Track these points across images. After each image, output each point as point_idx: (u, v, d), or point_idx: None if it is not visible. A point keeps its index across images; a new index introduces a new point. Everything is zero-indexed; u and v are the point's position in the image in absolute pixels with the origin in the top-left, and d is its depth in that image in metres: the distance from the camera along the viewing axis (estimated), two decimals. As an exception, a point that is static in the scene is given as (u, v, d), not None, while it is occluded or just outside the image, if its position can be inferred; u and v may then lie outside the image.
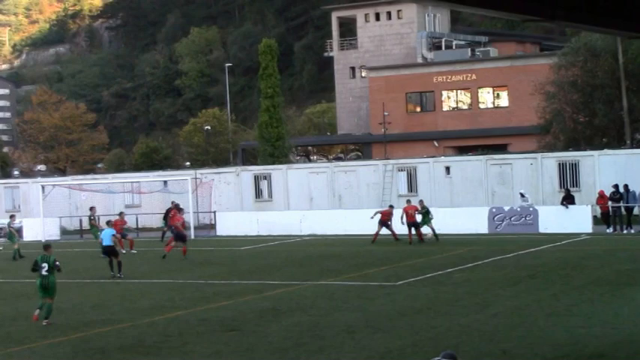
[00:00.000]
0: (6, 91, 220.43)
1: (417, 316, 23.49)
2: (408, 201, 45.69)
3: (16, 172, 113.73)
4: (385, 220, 44.15)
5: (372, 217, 44.44)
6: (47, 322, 24.59)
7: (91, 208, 48.00)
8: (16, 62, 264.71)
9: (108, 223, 37.87)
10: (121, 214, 46.62)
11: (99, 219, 50.24)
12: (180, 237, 41.99)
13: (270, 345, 20.68)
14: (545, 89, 66.92)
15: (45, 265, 25.00)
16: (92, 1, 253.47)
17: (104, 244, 35.54)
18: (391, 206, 46.11)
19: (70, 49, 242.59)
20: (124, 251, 42.42)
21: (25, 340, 22.64)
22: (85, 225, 59.76)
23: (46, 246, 26.13)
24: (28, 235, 55.68)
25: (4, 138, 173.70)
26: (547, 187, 52.30)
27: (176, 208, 47.44)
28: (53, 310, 24.96)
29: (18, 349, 21.51)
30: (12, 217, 50.51)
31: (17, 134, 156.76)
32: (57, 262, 25.08)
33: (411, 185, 55.88)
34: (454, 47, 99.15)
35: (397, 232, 43.85)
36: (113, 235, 36.09)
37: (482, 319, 22.65)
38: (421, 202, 45.04)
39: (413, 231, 43.35)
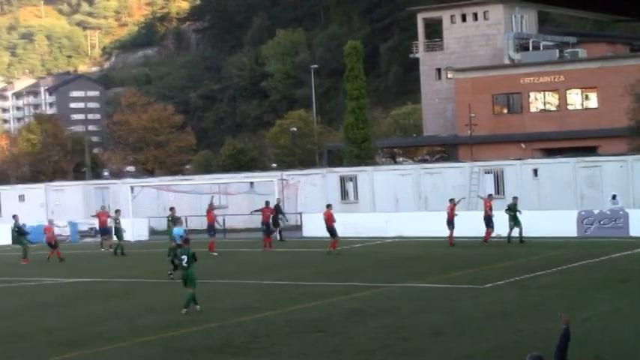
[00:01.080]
0: (96, 93, 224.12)
1: (503, 319, 23.35)
2: (451, 200, 45.64)
3: (105, 173, 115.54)
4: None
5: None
6: (187, 310, 25.92)
7: (171, 209, 48.37)
8: (106, 65, 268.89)
9: (176, 221, 38.00)
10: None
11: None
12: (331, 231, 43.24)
13: (356, 346, 20.73)
14: (635, 90, 65.85)
15: (184, 257, 26.30)
16: (180, 3, 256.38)
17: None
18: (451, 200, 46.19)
19: (158, 51, 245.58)
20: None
21: (116, 339, 23.04)
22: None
23: (185, 240, 27.43)
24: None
25: (94, 139, 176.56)
26: (637, 190, 51.38)
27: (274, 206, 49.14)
28: (191, 301, 26.15)
29: (109, 348, 21.88)
30: (117, 211, 51.33)
31: (107, 136, 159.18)
32: (195, 255, 26.52)
33: (498, 187, 55.43)
34: (542, 48, 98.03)
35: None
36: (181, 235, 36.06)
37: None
38: (515, 198, 44.93)
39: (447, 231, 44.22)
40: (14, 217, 49.86)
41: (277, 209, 52.21)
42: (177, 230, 36.20)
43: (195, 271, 26.51)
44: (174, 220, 44.39)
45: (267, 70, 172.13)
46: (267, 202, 50.04)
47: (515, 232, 43.75)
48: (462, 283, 30.55)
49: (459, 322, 23.13)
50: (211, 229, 46.50)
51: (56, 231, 61.47)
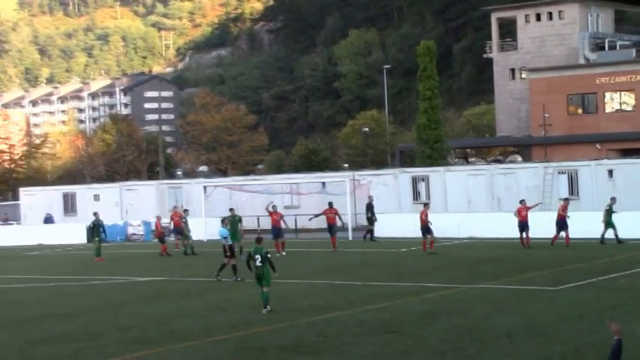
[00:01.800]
0: (170, 94, 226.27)
1: (578, 322, 23.01)
2: (522, 201, 44.79)
3: (179, 173, 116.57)
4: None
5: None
6: (266, 310, 26.08)
7: (231, 210, 48.02)
8: (180, 65, 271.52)
9: (223, 221, 37.55)
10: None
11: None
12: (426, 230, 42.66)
13: (428, 348, 20.58)
14: None
15: (258, 256, 26.42)
16: (253, 4, 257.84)
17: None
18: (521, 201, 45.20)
19: (232, 51, 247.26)
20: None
21: (187, 337, 23.16)
22: (246, 225, 60.70)
23: (258, 239, 27.40)
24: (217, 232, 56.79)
25: (168, 139, 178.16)
26: None
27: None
28: (267, 299, 26.28)
29: (181, 346, 22.00)
30: (185, 211, 51.75)
31: (180, 136, 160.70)
32: (268, 254, 26.59)
33: (572, 188, 54.79)
34: (618, 48, 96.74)
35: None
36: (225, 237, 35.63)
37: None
38: (613, 199, 44.15)
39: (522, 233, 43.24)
40: (95, 214, 50.15)
41: (369, 208, 52.03)
42: (223, 231, 35.90)
43: (269, 270, 26.53)
44: (232, 221, 44.35)
45: (340, 71, 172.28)
46: (330, 203, 49.47)
47: (610, 234, 43.01)
48: (535, 284, 30.20)
49: (532, 324, 22.84)
50: (276, 231, 45.85)
51: (130, 230, 62.45)
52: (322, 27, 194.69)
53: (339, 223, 48.86)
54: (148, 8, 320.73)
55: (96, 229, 48.32)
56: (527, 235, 43.22)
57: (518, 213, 43.36)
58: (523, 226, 43.14)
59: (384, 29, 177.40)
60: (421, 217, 42.96)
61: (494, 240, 48.16)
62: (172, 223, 52.39)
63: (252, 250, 26.75)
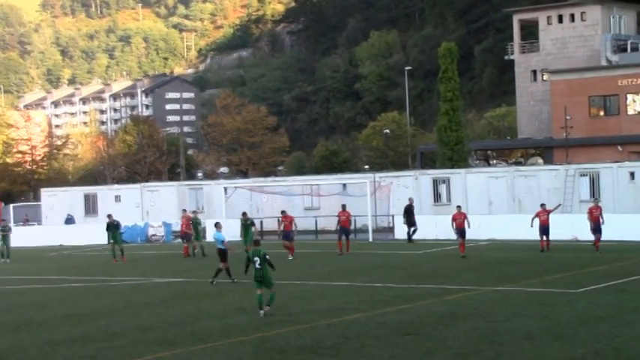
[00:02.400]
0: (191, 95, 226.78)
1: (599, 324, 22.90)
2: (542, 205, 43.89)
3: (199, 174, 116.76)
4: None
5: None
6: (264, 311, 26.04)
7: (243, 214, 47.46)
8: (201, 66, 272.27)
9: (217, 225, 36.85)
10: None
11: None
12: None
13: (448, 350, 20.54)
14: None
15: (257, 258, 26.37)
16: (275, 6, 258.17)
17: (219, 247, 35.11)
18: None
19: (253, 53, 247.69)
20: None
21: (208, 338, 23.18)
22: (267, 226, 60.85)
23: (256, 241, 27.64)
24: (211, 235, 56.90)
25: (189, 141, 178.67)
26: None
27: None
28: (274, 299, 26.39)
29: (201, 347, 22.02)
30: (194, 212, 51.80)
31: (201, 137, 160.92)
32: (267, 255, 26.44)
33: (594, 191, 54.58)
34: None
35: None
36: (222, 241, 35.17)
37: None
38: None
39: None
40: (109, 216, 50.28)
41: (409, 210, 51.66)
42: (219, 235, 35.40)
43: (269, 271, 26.45)
44: (244, 225, 44.24)
45: (361, 72, 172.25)
46: (343, 206, 47.78)
47: None
48: (556, 287, 30.09)
49: (553, 326, 22.76)
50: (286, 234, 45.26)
51: (150, 231, 62.60)
52: (343, 28, 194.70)
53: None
54: (169, 9, 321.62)
55: (111, 231, 48.29)
56: (547, 239, 42.70)
57: (538, 216, 42.52)
58: (545, 229, 42.47)
59: (406, 31, 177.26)
60: (458, 220, 42.29)
61: (514, 242, 48.04)
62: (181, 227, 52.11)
63: (251, 252, 26.73)
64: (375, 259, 42.90)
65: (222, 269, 34.60)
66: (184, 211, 53.81)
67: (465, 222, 42.24)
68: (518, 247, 45.83)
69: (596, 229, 41.38)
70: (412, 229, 51.77)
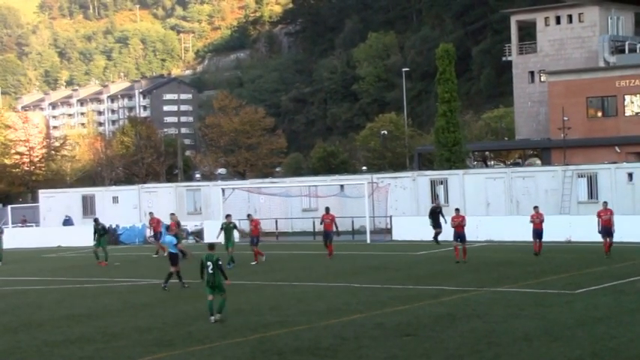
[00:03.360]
0: (189, 96, 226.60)
1: (596, 325, 22.92)
2: (536, 207, 42.36)
3: (197, 175, 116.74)
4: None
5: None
6: (215, 318, 25.55)
7: (227, 216, 44.60)
8: (199, 68, 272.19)
9: (168, 228, 36.00)
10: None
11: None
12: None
13: (445, 351, 20.55)
14: None
15: (210, 263, 25.97)
16: (272, 7, 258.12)
17: (170, 251, 34.52)
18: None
19: (250, 54, 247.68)
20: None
21: (205, 339, 23.19)
22: (265, 227, 60.76)
23: (210, 245, 27.06)
24: (209, 237, 56.82)
25: (187, 142, 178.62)
26: None
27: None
28: (225, 307, 25.93)
29: (199, 348, 22.04)
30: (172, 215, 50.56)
31: (199, 138, 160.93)
32: (219, 261, 26.08)
33: (592, 192, 54.58)
34: (638, 51, 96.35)
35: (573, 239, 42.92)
36: (175, 244, 34.75)
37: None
38: None
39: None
40: (95, 220, 49.56)
41: (438, 211, 50.22)
42: (170, 239, 34.77)
43: (221, 277, 26.04)
44: (226, 228, 42.31)
45: (359, 73, 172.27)
46: (327, 209, 46.29)
47: None
48: (553, 288, 30.11)
49: (550, 328, 22.78)
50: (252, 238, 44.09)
51: (148, 233, 62.56)
52: (341, 30, 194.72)
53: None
54: (167, 11, 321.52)
55: (98, 235, 47.44)
56: (540, 242, 41.29)
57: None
58: (538, 233, 41.37)
59: (403, 32, 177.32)
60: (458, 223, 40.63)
61: (512, 243, 48.04)
62: (151, 228, 51.55)
63: (204, 257, 26.10)
64: (372, 261, 42.91)
65: (174, 273, 34.07)
66: (151, 213, 53.88)
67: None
68: (515, 248, 45.83)
69: (607, 232, 39.67)
70: (437, 231, 50.19)
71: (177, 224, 46.55)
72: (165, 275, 34.37)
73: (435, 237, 49.15)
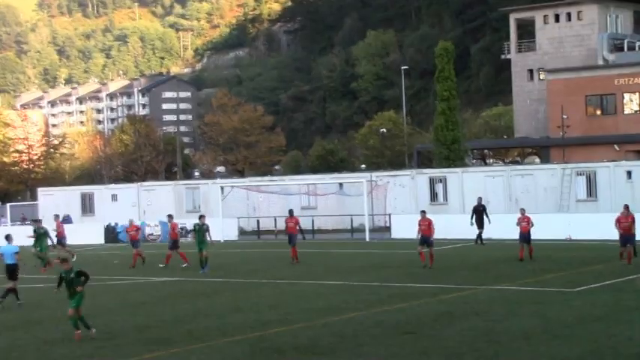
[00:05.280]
0: (188, 94, 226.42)
1: (596, 324, 22.93)
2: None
3: (196, 174, 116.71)
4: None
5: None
6: (80, 332, 23.75)
7: (201, 217, 42.09)
8: (198, 66, 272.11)
9: (8, 237, 32.41)
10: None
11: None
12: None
13: (445, 349, 20.55)
14: None
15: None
16: (271, 5, 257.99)
17: (8, 262, 31.10)
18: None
19: (249, 52, 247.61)
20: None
21: (204, 337, 23.18)
22: (263, 226, 60.86)
23: (64, 260, 24.72)
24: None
25: (186, 140, 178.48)
26: None
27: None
28: (84, 321, 24.05)
29: (198, 346, 22.03)
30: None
31: (198, 136, 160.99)
32: (82, 277, 23.98)
33: (590, 190, 54.59)
34: (637, 49, 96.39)
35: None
36: (16, 252, 31.36)
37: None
38: None
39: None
40: (37, 221, 47.80)
41: (478, 209, 49.44)
42: (9, 248, 31.27)
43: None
44: (199, 230, 40.00)
45: (358, 71, 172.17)
46: (290, 211, 43.92)
47: None
48: (553, 286, 30.11)
49: (550, 326, 22.78)
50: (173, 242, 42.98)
51: (147, 230, 62.58)
52: (340, 28, 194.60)
53: (299, 236, 44.45)
54: (166, 9, 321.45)
55: (39, 238, 45.36)
56: (529, 246, 39.25)
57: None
58: (525, 237, 39.35)
59: (402, 30, 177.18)
60: (426, 226, 38.74)
61: (511, 241, 47.94)
62: (57, 232, 49.36)
63: (63, 272, 24.15)
64: (371, 259, 42.91)
65: (13, 289, 30.90)
66: (56, 216, 53.17)
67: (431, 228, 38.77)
68: (514, 246, 45.71)
69: (628, 240, 36.32)
70: (480, 231, 48.47)
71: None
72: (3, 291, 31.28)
73: (479, 236, 48.06)
